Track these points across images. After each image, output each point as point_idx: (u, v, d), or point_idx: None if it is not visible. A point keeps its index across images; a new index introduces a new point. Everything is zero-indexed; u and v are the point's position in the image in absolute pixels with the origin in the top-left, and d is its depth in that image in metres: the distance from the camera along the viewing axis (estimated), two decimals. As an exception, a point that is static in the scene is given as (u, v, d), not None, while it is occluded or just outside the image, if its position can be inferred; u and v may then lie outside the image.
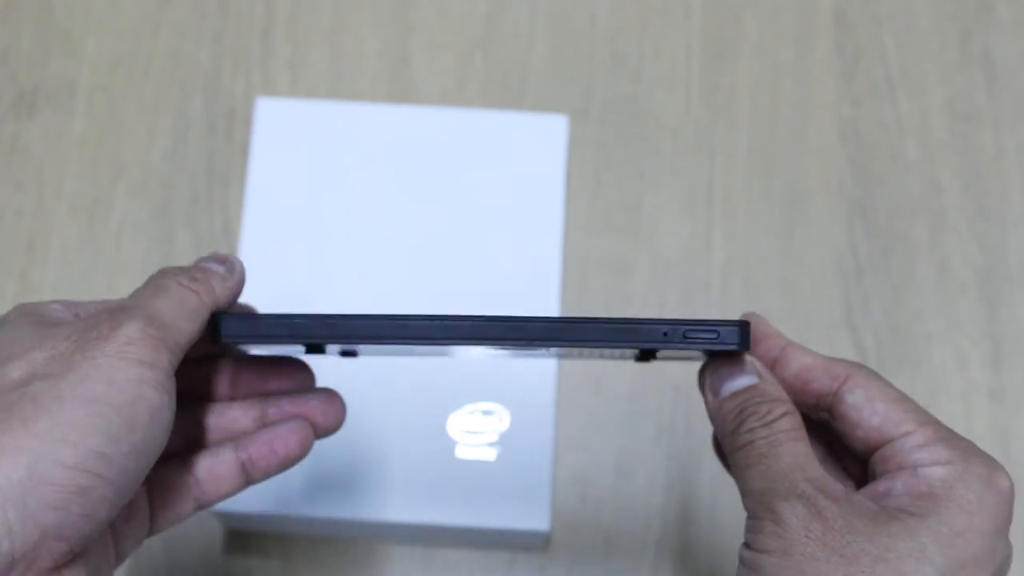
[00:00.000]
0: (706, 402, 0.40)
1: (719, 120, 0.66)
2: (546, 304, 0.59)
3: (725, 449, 0.39)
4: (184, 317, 0.36)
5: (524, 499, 0.56)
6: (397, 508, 0.55)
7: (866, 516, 0.35)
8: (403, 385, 0.57)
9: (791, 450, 0.37)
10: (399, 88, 0.66)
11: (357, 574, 0.58)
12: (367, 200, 0.61)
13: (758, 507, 0.36)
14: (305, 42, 0.67)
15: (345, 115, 0.63)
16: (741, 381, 0.39)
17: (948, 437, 0.37)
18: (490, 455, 0.56)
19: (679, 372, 0.58)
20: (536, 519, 0.56)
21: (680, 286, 0.63)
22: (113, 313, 0.34)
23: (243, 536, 0.58)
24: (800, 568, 0.34)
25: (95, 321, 0.34)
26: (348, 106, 0.64)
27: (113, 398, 0.32)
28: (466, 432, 0.57)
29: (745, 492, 0.37)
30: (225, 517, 0.56)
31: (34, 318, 0.36)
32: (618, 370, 0.60)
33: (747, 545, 0.36)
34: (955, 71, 0.67)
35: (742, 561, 0.36)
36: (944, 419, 0.59)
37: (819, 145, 0.66)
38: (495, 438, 0.57)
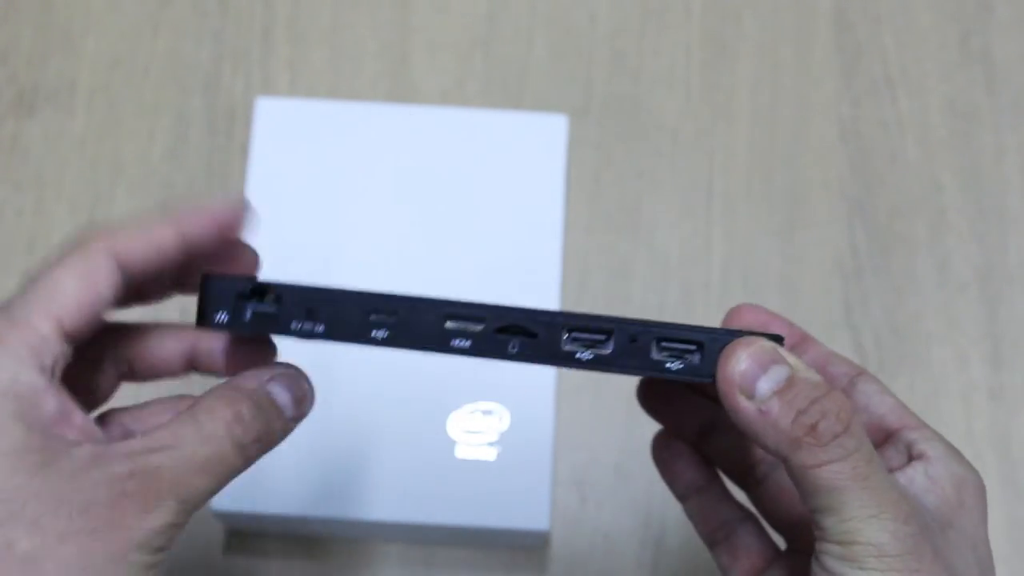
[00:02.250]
0: (735, 409, 0.33)
1: (719, 119, 0.66)
2: (546, 304, 0.59)
3: (789, 462, 0.33)
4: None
5: (524, 499, 0.56)
6: (397, 508, 0.55)
7: (932, 527, 0.34)
8: (403, 384, 0.57)
9: (881, 464, 0.33)
10: (399, 88, 0.66)
11: (357, 574, 0.58)
12: (367, 200, 0.61)
13: (854, 533, 0.32)
14: (305, 42, 0.67)
15: (345, 115, 0.63)
16: (777, 373, 0.33)
17: (943, 439, 0.38)
18: (490, 455, 0.56)
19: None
20: (536, 519, 0.56)
21: (680, 286, 0.63)
22: None
23: (243, 536, 0.58)
24: None
25: None
26: (348, 106, 0.64)
27: None
28: (466, 432, 0.57)
29: (827, 510, 0.33)
30: (225, 517, 0.56)
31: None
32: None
33: (824, 565, 0.33)
34: (955, 70, 0.67)
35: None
36: (944, 419, 0.60)
37: (819, 144, 0.66)
38: (495, 438, 0.57)
